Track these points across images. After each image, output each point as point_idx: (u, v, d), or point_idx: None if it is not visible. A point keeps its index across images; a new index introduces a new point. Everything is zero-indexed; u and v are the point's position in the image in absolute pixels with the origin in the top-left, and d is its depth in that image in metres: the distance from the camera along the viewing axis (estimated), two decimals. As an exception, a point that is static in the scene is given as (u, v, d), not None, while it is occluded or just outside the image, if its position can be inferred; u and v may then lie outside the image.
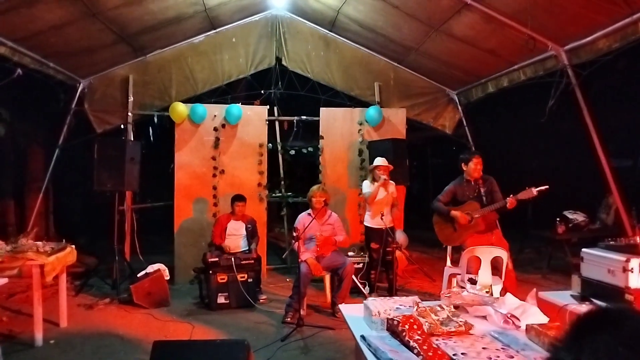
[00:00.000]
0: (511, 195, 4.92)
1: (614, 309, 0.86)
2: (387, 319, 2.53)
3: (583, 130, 5.64)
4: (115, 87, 7.43)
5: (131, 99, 7.36)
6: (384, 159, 6.09)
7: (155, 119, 7.52)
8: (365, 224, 6.21)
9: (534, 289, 2.86)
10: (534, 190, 4.79)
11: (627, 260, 2.90)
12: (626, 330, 0.78)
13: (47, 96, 7.10)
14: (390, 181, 6.10)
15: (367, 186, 6.09)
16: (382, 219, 5.70)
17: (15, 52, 5.61)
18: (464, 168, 5.33)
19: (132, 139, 7.23)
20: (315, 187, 5.79)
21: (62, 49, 6.11)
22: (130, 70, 7.41)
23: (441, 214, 5.36)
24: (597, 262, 3.14)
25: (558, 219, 7.03)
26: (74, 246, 5.18)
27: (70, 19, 5.45)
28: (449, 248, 5.64)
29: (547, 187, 4.79)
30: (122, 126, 7.48)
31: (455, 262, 5.51)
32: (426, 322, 2.47)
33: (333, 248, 5.67)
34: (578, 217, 7.20)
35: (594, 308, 0.85)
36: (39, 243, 4.83)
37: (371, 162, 6.92)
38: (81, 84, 7.24)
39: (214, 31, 7.55)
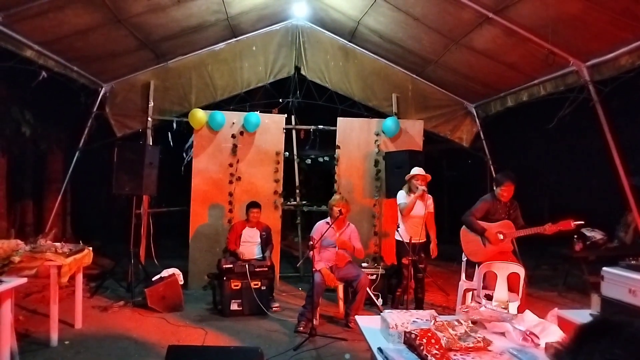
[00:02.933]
0: (549, 224, 4.75)
1: (616, 318, 0.89)
2: (405, 332, 2.52)
3: (603, 146, 5.58)
4: (136, 92, 7.54)
5: (151, 104, 7.46)
6: (421, 168, 5.74)
7: (174, 125, 7.61)
8: (397, 237, 5.71)
9: (555, 308, 2.83)
10: (573, 224, 4.65)
11: (649, 281, 2.85)
12: (624, 335, 0.82)
13: (69, 99, 7.23)
14: (429, 194, 5.73)
15: (402, 197, 5.74)
16: (408, 233, 5.51)
17: (41, 56, 5.72)
18: (495, 189, 5.21)
19: (151, 144, 7.31)
20: (337, 197, 5.77)
21: (86, 54, 6.23)
22: (151, 75, 7.52)
23: (474, 229, 5.19)
24: (618, 281, 3.09)
25: (575, 237, 6.93)
26: (90, 248, 5.24)
27: (96, 24, 5.56)
28: (464, 262, 5.57)
29: (582, 222, 4.71)
30: (140, 130, 7.58)
31: (469, 277, 5.45)
32: (444, 336, 2.45)
33: (349, 258, 5.65)
34: (596, 234, 7.09)
35: (597, 317, 0.89)
36: (58, 244, 4.88)
37: (388, 172, 6.89)
38: (103, 88, 7.35)
39: (235, 39, 7.63)
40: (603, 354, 0.80)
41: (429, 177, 5.68)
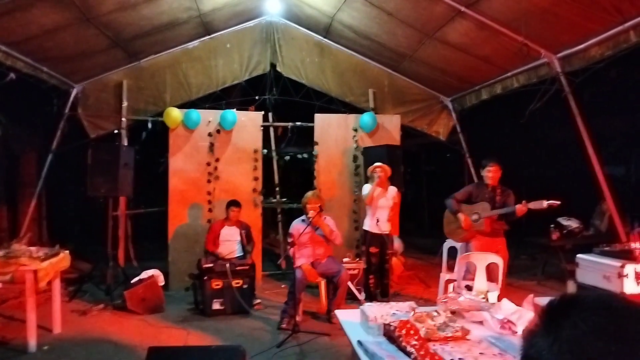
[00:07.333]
0: (523, 202, 4.81)
1: (587, 293, 0.92)
2: (384, 324, 2.53)
3: (576, 137, 5.68)
4: (109, 92, 7.41)
5: (125, 104, 7.35)
6: (380, 162, 6.04)
7: (149, 125, 7.50)
8: (364, 228, 6.13)
9: (531, 295, 2.87)
10: (545, 203, 4.63)
11: (623, 266, 2.92)
12: (595, 301, 0.85)
13: (41, 101, 7.06)
14: (392, 186, 6.09)
15: (365, 189, 6.06)
16: (377, 224, 5.69)
17: (9, 57, 5.58)
18: (482, 173, 5.33)
19: (126, 145, 7.20)
20: (309, 193, 5.70)
21: (56, 54, 6.10)
22: (124, 75, 7.40)
23: (450, 210, 5.38)
24: (592, 267, 3.17)
25: (552, 226, 7.06)
26: (67, 251, 5.14)
27: (64, 23, 5.45)
28: (445, 254, 5.65)
29: (558, 202, 4.61)
30: (115, 131, 7.45)
31: (450, 269, 5.51)
32: (423, 327, 2.47)
33: (329, 253, 5.63)
34: (572, 223, 7.23)
35: (561, 295, 0.93)
36: (32, 248, 4.78)
37: (367, 168, 6.93)
38: (75, 89, 7.21)
39: (209, 37, 7.55)
40: (575, 319, 0.82)
41: (386, 166, 5.99)
